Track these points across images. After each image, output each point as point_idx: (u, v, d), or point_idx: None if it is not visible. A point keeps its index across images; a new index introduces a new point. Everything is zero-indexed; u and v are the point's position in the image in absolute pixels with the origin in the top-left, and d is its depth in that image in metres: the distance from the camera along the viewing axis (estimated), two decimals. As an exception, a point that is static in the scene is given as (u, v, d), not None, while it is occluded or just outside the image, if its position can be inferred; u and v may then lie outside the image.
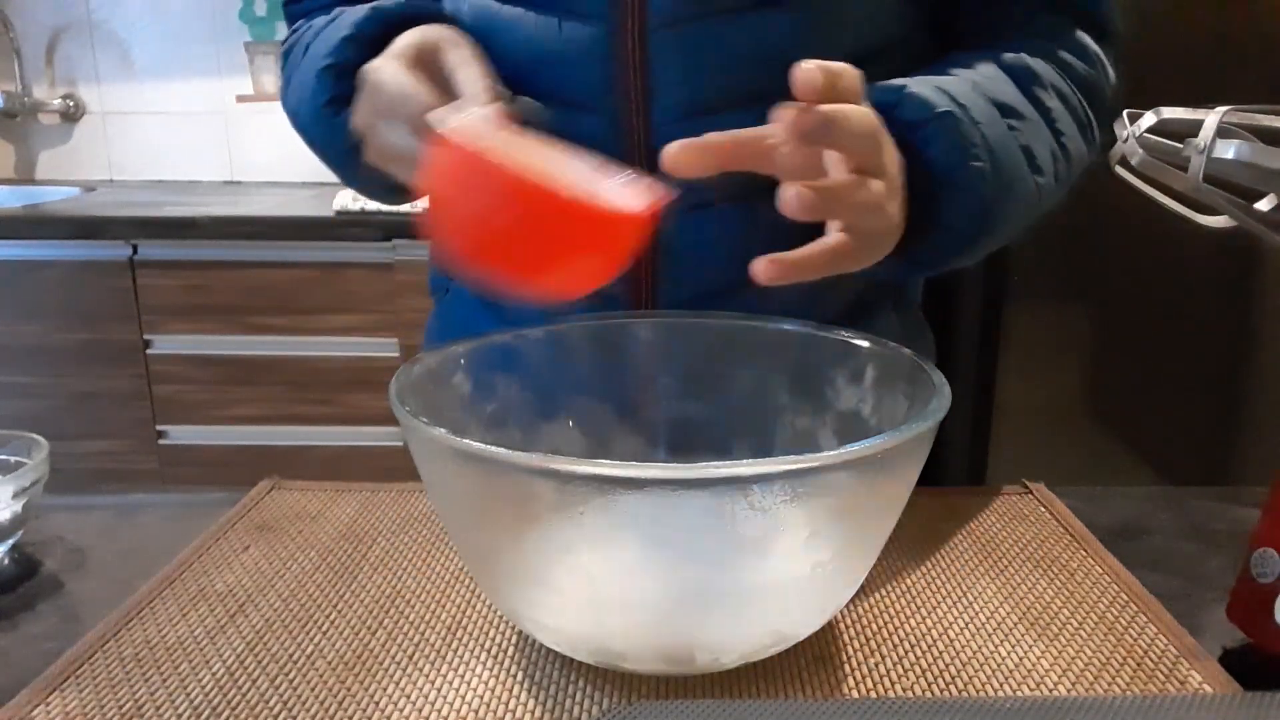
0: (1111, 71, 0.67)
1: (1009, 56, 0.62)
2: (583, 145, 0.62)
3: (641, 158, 0.62)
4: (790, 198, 0.45)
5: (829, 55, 0.62)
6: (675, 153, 0.46)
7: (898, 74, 0.64)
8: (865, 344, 0.54)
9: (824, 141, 0.46)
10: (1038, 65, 0.62)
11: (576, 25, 0.61)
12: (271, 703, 0.44)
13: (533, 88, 0.63)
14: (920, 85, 0.55)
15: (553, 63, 0.62)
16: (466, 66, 0.56)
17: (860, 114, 0.47)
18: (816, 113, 0.45)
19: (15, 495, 0.55)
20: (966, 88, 0.57)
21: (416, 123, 0.53)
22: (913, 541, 0.59)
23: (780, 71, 0.61)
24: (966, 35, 0.67)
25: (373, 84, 0.57)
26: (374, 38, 0.61)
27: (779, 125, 0.46)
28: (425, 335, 0.81)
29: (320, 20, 0.72)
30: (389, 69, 0.56)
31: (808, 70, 0.45)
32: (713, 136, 0.46)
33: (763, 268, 0.47)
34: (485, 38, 0.65)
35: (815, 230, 0.65)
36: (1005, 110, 0.58)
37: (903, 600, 0.52)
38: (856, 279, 0.69)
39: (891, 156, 0.51)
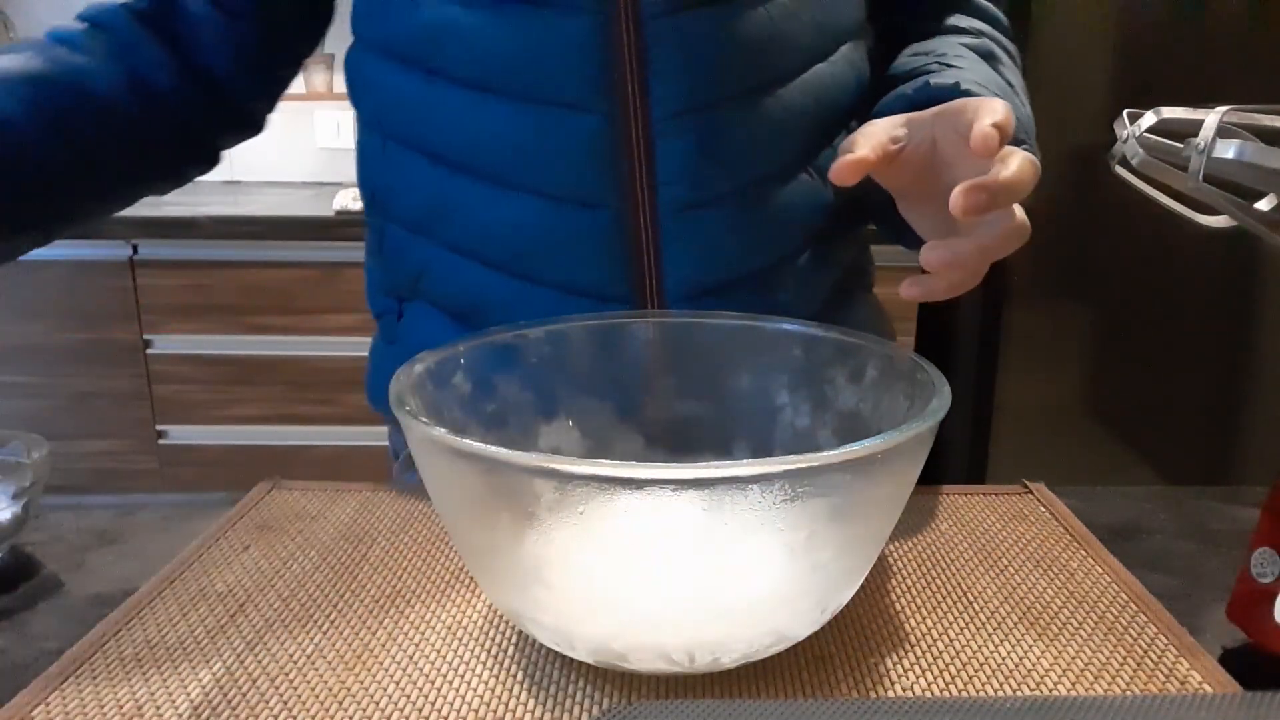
0: None
1: (970, 40, 0.66)
2: (578, 146, 0.61)
3: (641, 154, 0.61)
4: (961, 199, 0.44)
5: (815, 41, 0.64)
6: (840, 171, 0.47)
7: (859, 62, 0.69)
8: (865, 344, 0.54)
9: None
10: (993, 46, 0.67)
11: (566, 19, 0.59)
12: (271, 703, 0.44)
13: (513, 91, 0.61)
14: (969, 83, 0.58)
15: (540, 62, 0.60)
16: None
17: (1024, 158, 0.46)
18: (999, 186, 0.44)
19: (15, 495, 0.55)
20: (987, 76, 0.61)
21: None
22: (913, 541, 0.59)
23: (772, 59, 0.63)
24: (906, 18, 0.70)
25: None
26: None
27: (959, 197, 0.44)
28: (371, 358, 0.77)
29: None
30: None
31: (990, 136, 0.45)
32: (862, 151, 0.48)
33: (918, 285, 0.48)
34: (445, 44, 0.62)
35: (815, 224, 0.66)
36: (1001, 91, 0.61)
37: (903, 600, 0.52)
38: (836, 267, 0.70)
39: None
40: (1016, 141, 0.55)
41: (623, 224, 0.62)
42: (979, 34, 0.67)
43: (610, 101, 0.60)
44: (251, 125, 0.76)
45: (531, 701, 0.44)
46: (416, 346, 0.70)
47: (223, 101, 0.71)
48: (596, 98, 0.60)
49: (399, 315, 0.73)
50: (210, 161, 0.76)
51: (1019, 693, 0.44)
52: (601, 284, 0.63)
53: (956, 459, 1.77)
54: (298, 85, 2.12)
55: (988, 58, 0.65)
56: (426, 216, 0.67)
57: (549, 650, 0.48)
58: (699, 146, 0.61)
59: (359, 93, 0.70)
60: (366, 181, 0.72)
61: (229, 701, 0.44)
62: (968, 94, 0.56)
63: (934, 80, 0.58)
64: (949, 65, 0.62)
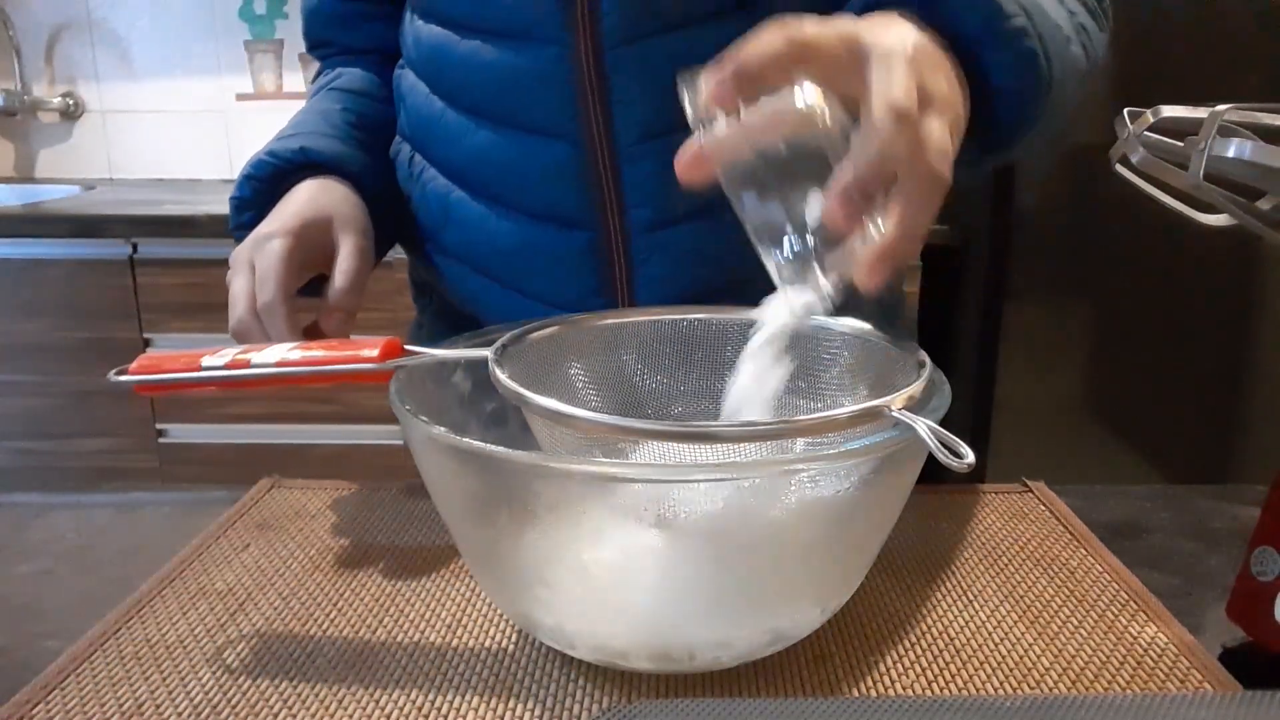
0: None
1: None
2: (552, 171, 0.63)
3: (609, 181, 0.63)
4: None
5: None
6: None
7: None
8: (864, 341, 0.54)
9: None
10: None
11: (533, 49, 0.61)
12: (272, 702, 0.44)
13: (497, 117, 0.64)
14: None
15: (515, 90, 0.63)
16: (347, 259, 0.61)
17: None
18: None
19: None
20: None
21: (249, 304, 0.62)
22: (913, 541, 0.59)
23: None
24: None
25: (255, 242, 0.62)
26: (270, 177, 0.65)
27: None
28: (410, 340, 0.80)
29: (323, 79, 0.75)
30: (273, 246, 0.60)
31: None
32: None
33: (866, 277, 0.40)
34: (443, 69, 0.66)
35: None
36: None
37: (903, 600, 0.52)
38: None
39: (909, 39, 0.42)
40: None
41: (597, 244, 0.65)
42: None
43: (577, 129, 0.62)
44: None
45: (531, 701, 0.44)
46: (438, 333, 0.73)
47: None
48: (564, 125, 0.62)
49: (431, 297, 0.78)
50: None
51: (1019, 692, 0.44)
52: (580, 300, 0.66)
53: (957, 458, 1.77)
54: (298, 84, 2.12)
55: None
56: (436, 224, 0.71)
57: (549, 650, 0.48)
58: (664, 170, 0.58)
59: (398, 104, 0.73)
60: (403, 187, 0.75)
61: (229, 701, 0.44)
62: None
63: None
64: None
